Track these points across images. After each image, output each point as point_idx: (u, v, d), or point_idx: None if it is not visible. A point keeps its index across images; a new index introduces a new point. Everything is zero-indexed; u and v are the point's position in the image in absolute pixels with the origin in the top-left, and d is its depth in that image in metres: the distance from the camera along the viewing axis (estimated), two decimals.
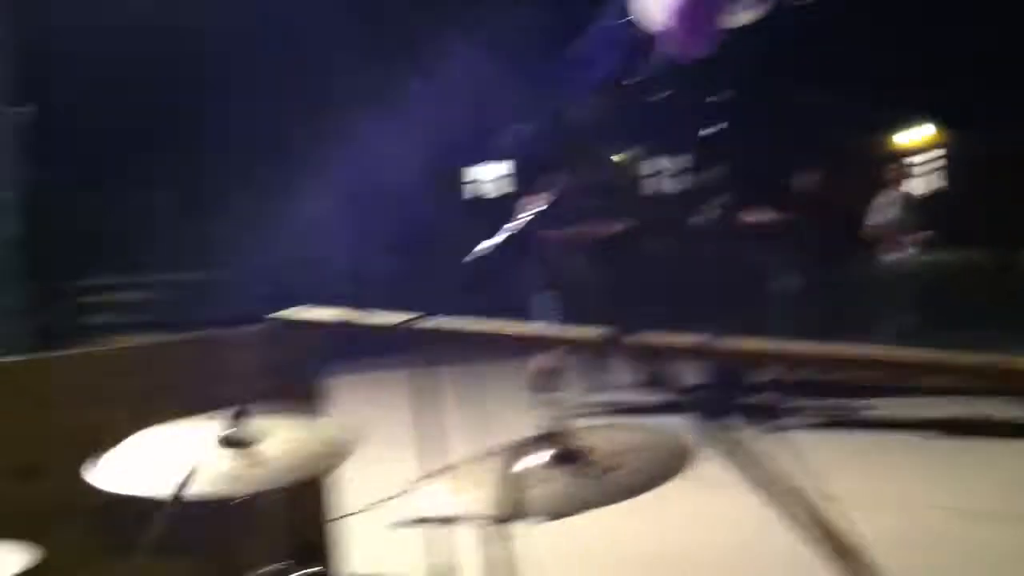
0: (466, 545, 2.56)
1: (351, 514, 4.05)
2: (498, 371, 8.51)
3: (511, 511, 2.09)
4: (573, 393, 8.60)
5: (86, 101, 11.09)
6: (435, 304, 3.07)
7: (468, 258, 2.54)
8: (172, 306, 11.36)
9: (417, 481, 2.36)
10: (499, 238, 2.49)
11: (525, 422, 2.40)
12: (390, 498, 4.92)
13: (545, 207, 2.45)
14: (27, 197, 9.43)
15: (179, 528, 3.05)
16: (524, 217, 2.49)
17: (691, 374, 7.19)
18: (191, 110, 12.04)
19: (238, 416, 2.55)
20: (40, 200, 9.94)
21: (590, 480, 2.11)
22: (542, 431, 2.27)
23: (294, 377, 3.63)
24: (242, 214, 12.18)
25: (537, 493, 2.11)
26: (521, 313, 7.59)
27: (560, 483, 2.13)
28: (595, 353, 8.76)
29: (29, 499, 2.94)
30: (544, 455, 2.23)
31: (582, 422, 2.41)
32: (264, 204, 12.21)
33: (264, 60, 12.10)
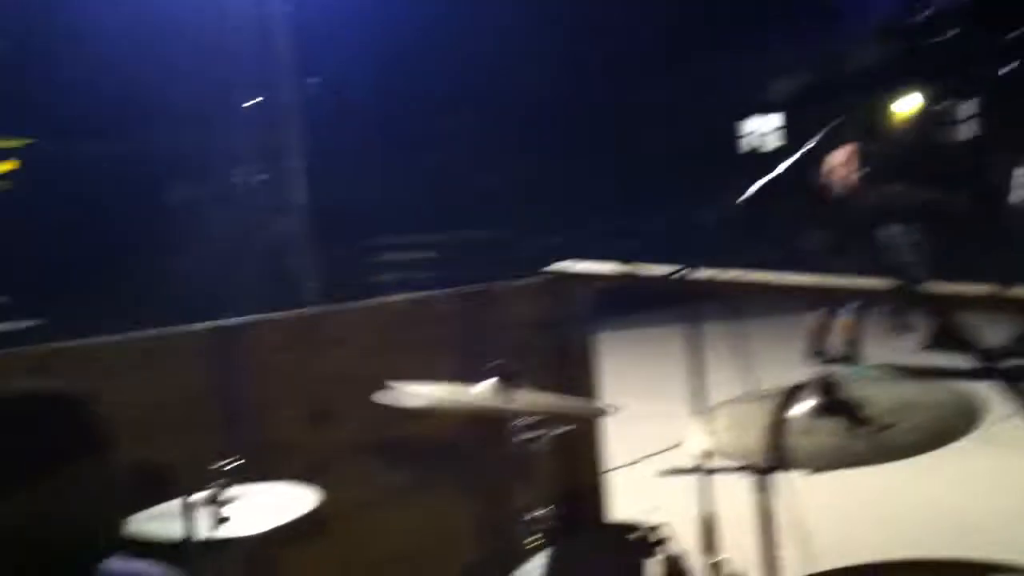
0: (733, 494, 2.53)
1: (623, 465, 4.09)
2: (771, 326, 8.30)
3: (779, 461, 2.04)
4: (860, 352, 8.23)
5: (367, 70, 11.59)
6: (709, 256, 3.03)
7: (741, 199, 2.50)
8: (454, 263, 11.74)
9: (687, 430, 2.34)
10: (771, 176, 2.43)
11: (798, 379, 2.33)
12: (662, 451, 4.93)
13: (812, 146, 2.35)
14: (315, 164, 10.01)
15: (457, 469, 3.19)
16: (794, 158, 2.41)
17: (991, 334, 6.76)
18: (471, 77, 12.36)
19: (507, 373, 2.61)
20: (327, 166, 10.53)
21: (863, 435, 2.03)
22: (816, 383, 2.20)
23: (567, 329, 3.68)
24: (521, 173, 12.43)
25: (807, 444, 2.06)
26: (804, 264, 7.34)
27: (831, 436, 2.06)
28: (885, 308, 8.33)
29: (321, 442, 3.10)
30: (816, 407, 2.16)
31: (863, 380, 2.32)
32: (538, 163, 12.42)
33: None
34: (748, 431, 2.17)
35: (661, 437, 4.61)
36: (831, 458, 2.04)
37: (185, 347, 3.00)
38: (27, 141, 12.52)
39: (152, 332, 3.04)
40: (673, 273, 3.08)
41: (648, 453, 5.02)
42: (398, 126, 12.31)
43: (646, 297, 4.71)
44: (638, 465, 4.91)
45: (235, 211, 10.90)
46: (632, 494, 4.19)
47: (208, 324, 3.14)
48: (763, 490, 2.30)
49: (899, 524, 4.79)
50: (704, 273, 3.05)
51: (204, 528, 2.27)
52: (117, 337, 2.96)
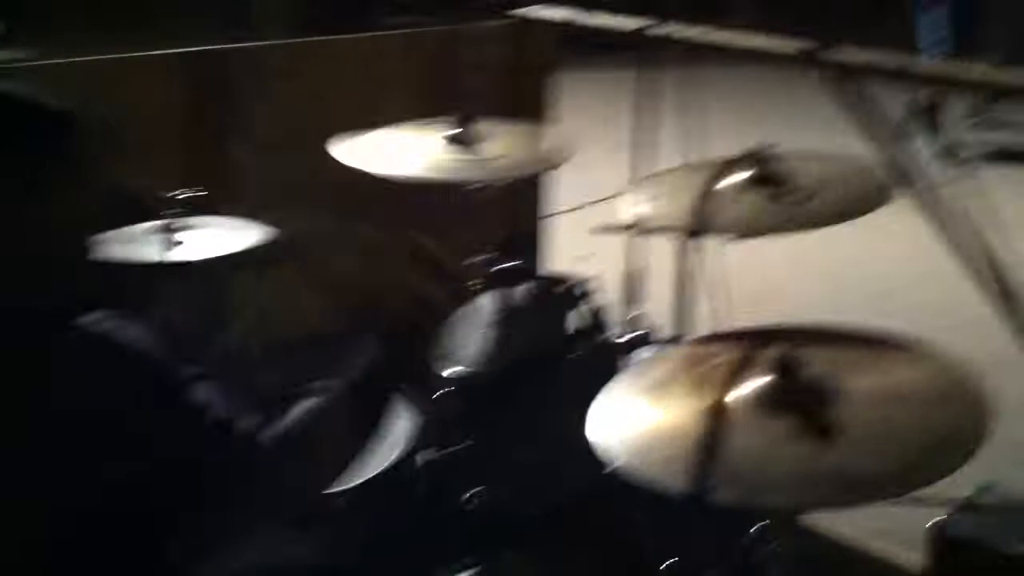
0: (660, 253, 2.68)
1: (558, 213, 4.21)
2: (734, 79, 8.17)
3: (704, 227, 2.18)
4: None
5: None
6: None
7: None
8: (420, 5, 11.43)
9: (622, 189, 2.47)
10: None
11: (747, 137, 2.41)
12: (596, 202, 5.00)
13: None
14: None
15: (405, 211, 3.29)
16: None
17: None
18: None
19: (464, 120, 2.66)
20: None
21: (785, 205, 2.17)
22: (747, 155, 2.31)
23: (527, 73, 3.72)
24: None
25: (732, 212, 2.20)
26: None
27: (755, 205, 2.20)
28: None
29: (272, 175, 3.18)
30: (747, 175, 2.28)
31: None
32: None
33: None
34: (680, 197, 2.30)
35: (606, 184, 4.70)
36: (753, 226, 2.19)
37: (152, 70, 3.02)
38: None
39: (118, 55, 3.05)
40: (635, 30, 3.08)
41: (588, 201, 5.09)
42: None
43: (607, 41, 4.71)
44: (577, 216, 5.01)
45: None
46: (573, 238, 4.38)
47: (176, 49, 3.15)
48: (685, 252, 2.46)
49: (814, 287, 5.05)
50: (669, 29, 3.05)
51: (159, 252, 2.41)
52: (86, 58, 2.98)
